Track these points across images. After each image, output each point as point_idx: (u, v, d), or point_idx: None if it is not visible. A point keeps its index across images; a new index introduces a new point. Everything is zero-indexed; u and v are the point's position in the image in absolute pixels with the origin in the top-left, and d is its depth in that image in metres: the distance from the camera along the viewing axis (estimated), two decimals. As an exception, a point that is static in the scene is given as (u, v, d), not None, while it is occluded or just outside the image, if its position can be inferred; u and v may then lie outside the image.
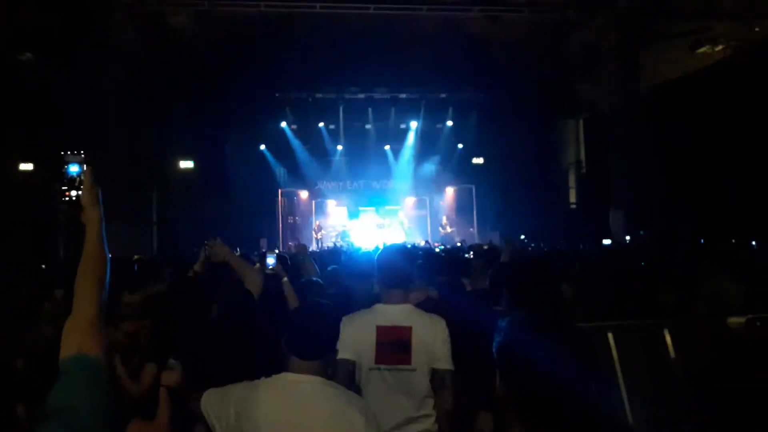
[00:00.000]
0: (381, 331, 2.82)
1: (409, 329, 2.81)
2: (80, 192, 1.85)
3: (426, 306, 3.15)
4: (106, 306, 1.73)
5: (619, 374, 2.30)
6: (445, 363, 2.81)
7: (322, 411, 2.03)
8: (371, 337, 2.81)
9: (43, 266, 7.15)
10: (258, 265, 4.30)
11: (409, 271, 3.07)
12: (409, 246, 14.99)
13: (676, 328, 2.51)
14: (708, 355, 2.37)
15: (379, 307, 2.95)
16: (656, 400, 2.32)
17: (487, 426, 3.00)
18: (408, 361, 2.78)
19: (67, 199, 1.86)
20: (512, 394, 1.30)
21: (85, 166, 1.90)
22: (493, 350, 1.35)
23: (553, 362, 1.21)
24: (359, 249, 13.22)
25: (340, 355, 2.78)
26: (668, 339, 2.48)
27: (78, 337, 1.59)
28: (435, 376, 2.81)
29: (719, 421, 2.18)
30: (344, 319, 2.94)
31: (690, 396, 2.25)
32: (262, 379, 2.15)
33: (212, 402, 2.15)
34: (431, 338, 2.82)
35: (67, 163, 1.90)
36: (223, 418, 2.09)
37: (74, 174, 1.89)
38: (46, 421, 1.35)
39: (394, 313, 2.88)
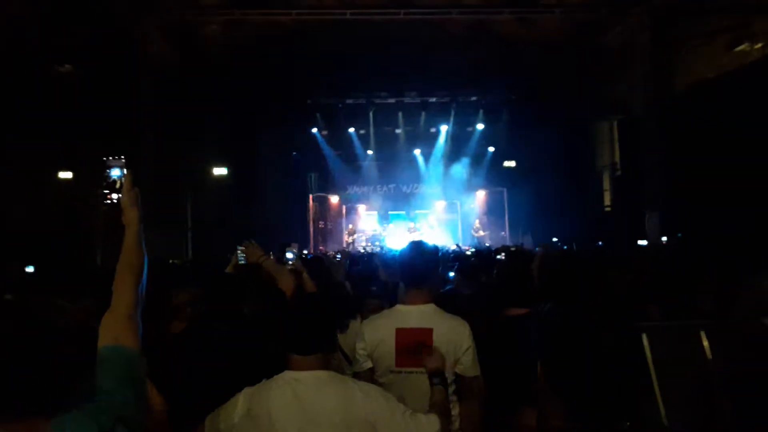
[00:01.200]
0: (401, 333, 2.75)
1: (430, 331, 2.73)
2: (120, 195, 1.96)
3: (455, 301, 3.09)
4: (143, 302, 1.82)
5: (654, 377, 2.25)
6: (472, 370, 2.74)
7: (324, 404, 2.01)
8: (391, 341, 2.75)
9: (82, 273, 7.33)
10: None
11: (431, 269, 2.99)
12: (437, 247, 14.97)
13: (714, 330, 2.44)
14: (746, 358, 2.30)
15: (399, 308, 2.88)
16: (692, 404, 2.25)
17: (531, 421, 2.93)
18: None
19: (108, 202, 1.98)
20: (555, 382, 1.29)
21: (125, 170, 2.02)
22: (533, 341, 1.35)
23: (598, 352, 1.20)
24: (392, 251, 13.20)
25: (359, 368, 2.81)
26: (705, 341, 2.41)
27: (115, 330, 1.68)
28: (462, 383, 2.74)
29: (758, 426, 2.11)
30: (364, 323, 2.96)
31: (727, 399, 2.19)
32: (263, 381, 2.13)
33: (211, 423, 2.12)
34: (454, 342, 2.74)
35: (109, 167, 2.02)
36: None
37: (115, 177, 2.01)
38: (84, 401, 1.43)
39: (415, 315, 2.81)
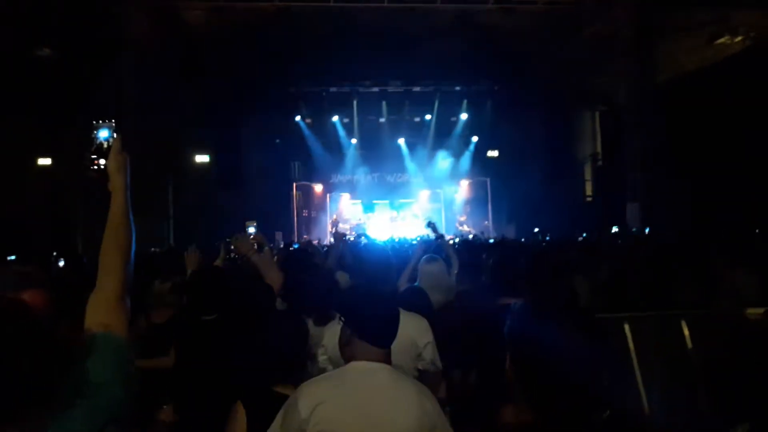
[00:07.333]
0: None
1: None
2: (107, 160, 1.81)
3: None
4: (131, 279, 1.70)
5: (636, 364, 2.30)
6: (434, 365, 2.81)
7: (399, 399, 1.98)
8: None
9: (63, 261, 7.24)
10: (276, 258, 4.35)
11: (386, 270, 3.05)
12: (423, 238, 14.96)
13: (694, 320, 2.50)
14: (726, 347, 2.36)
15: None
16: (673, 391, 2.31)
17: (512, 418, 2.99)
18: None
19: (95, 167, 1.84)
20: (522, 377, 1.32)
21: (115, 134, 1.87)
22: (504, 335, 1.37)
23: (562, 346, 1.23)
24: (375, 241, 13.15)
25: (322, 364, 2.82)
26: (686, 330, 2.47)
27: (104, 315, 1.58)
28: (424, 378, 2.75)
29: (736, 413, 2.17)
30: (324, 328, 2.97)
31: (707, 387, 2.24)
32: (334, 370, 2.10)
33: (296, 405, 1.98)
34: (414, 338, 2.78)
35: (97, 129, 1.88)
36: (295, 418, 1.95)
37: (103, 139, 1.87)
38: (81, 397, 1.36)
39: None
